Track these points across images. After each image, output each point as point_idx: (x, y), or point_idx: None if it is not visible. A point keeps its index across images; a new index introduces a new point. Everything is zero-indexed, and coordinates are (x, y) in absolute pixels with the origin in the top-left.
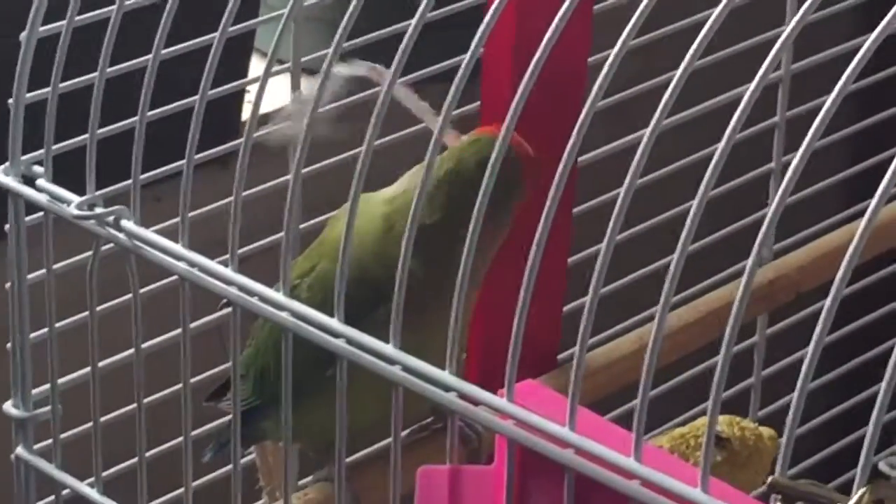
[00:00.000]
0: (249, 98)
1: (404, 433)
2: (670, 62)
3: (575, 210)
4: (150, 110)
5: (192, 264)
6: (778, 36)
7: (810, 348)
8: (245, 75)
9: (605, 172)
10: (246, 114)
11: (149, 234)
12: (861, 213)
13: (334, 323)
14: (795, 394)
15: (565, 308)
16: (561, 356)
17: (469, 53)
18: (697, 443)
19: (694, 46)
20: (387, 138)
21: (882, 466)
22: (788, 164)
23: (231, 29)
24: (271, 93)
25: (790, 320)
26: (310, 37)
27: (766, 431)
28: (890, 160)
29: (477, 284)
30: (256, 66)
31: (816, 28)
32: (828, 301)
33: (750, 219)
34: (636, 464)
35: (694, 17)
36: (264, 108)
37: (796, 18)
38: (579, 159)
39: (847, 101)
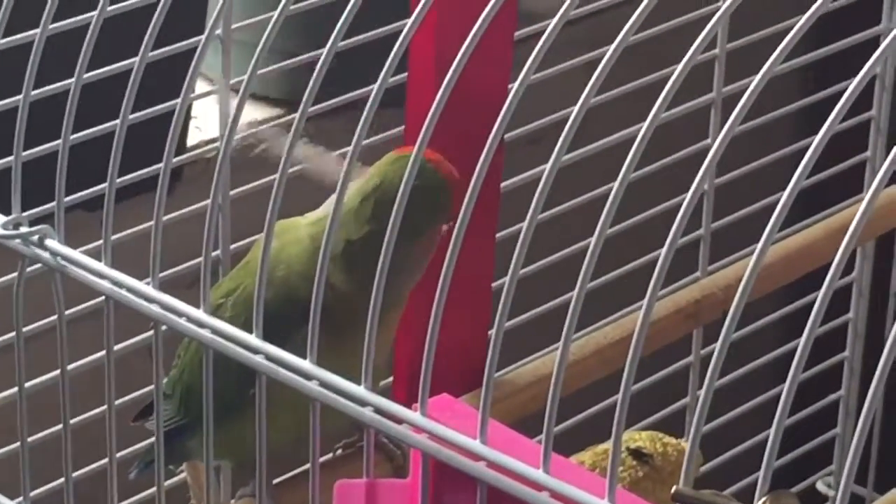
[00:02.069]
0: (196, 124)
1: (327, 456)
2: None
3: (504, 233)
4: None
5: (115, 283)
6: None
7: (706, 382)
8: (197, 98)
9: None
10: (192, 137)
11: (73, 253)
12: (797, 232)
13: (253, 339)
14: (697, 408)
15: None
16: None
17: (381, 77)
18: (620, 458)
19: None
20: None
21: (819, 486)
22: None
23: (153, 53)
24: (208, 114)
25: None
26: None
27: (687, 448)
28: (826, 183)
29: (401, 304)
30: (202, 90)
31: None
32: (722, 334)
33: (687, 238)
34: (545, 476)
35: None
36: (206, 130)
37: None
38: (508, 182)
39: (786, 119)
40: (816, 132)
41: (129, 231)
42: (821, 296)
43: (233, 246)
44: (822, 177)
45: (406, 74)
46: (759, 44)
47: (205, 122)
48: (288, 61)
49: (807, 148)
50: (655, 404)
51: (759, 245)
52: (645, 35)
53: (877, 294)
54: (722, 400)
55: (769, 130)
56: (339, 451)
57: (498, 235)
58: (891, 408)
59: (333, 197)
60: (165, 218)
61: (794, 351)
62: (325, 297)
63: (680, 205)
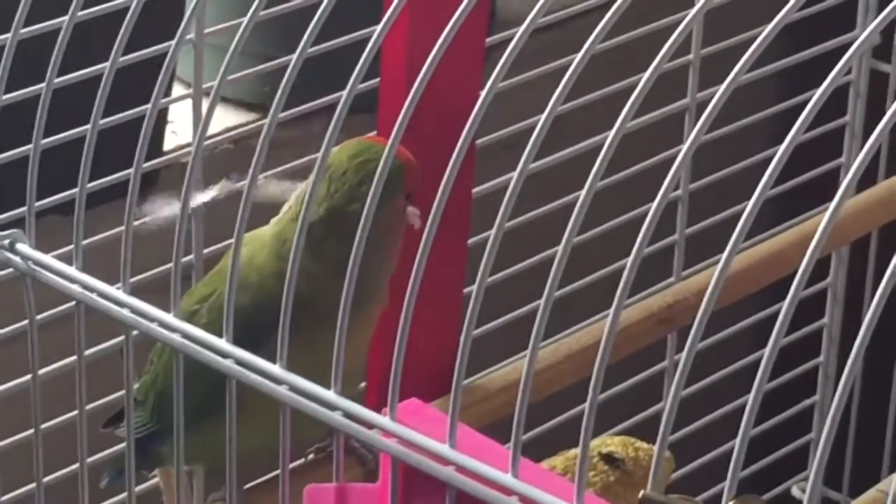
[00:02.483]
0: (173, 128)
1: (299, 461)
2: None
3: (477, 238)
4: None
5: (86, 287)
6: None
7: (672, 390)
8: (170, 103)
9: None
10: (168, 142)
11: (44, 257)
12: (774, 235)
13: (223, 343)
14: (665, 414)
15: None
16: (466, 383)
17: (350, 82)
18: (592, 463)
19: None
20: (276, 169)
21: (794, 491)
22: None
23: (126, 58)
24: (185, 118)
25: (701, 345)
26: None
27: None
28: (803, 188)
29: (379, 296)
30: (178, 94)
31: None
32: (688, 343)
33: (662, 243)
34: (514, 480)
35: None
36: (183, 134)
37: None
38: (482, 187)
39: (764, 123)
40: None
41: (101, 235)
42: (786, 305)
43: (208, 250)
44: (798, 182)
45: (378, 79)
46: (735, 48)
47: (181, 126)
48: (260, 66)
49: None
50: (631, 409)
51: (725, 255)
52: (619, 40)
53: (852, 299)
54: (699, 405)
55: (746, 135)
56: (311, 456)
57: (471, 241)
58: (865, 413)
59: (291, 199)
60: (140, 222)
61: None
62: (303, 288)
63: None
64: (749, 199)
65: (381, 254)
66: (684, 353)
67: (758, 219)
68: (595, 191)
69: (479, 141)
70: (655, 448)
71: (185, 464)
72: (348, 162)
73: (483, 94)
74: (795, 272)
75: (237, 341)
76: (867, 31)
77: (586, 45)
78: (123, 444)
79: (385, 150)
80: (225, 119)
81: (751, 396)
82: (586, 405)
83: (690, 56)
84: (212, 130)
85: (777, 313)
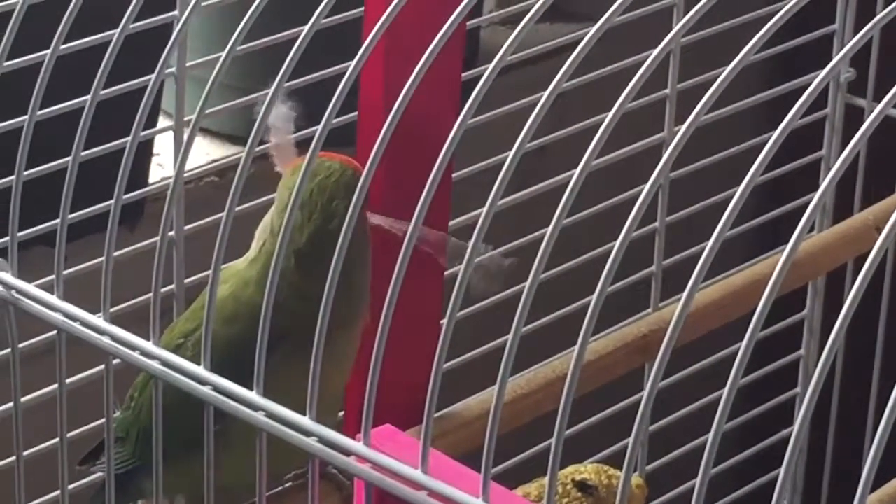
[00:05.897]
0: (159, 161)
1: (278, 488)
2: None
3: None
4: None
5: (67, 315)
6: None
7: (635, 426)
8: (152, 135)
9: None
10: (154, 174)
11: (26, 285)
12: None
13: (201, 371)
14: (629, 447)
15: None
16: (444, 411)
17: (325, 118)
18: (565, 490)
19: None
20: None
21: None
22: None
23: (106, 91)
24: (168, 150)
25: (677, 376)
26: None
27: (633, 479)
28: (783, 218)
29: (362, 311)
30: (164, 126)
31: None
32: (651, 379)
33: (641, 273)
34: None
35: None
36: (168, 167)
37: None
38: (464, 217)
39: (749, 154)
40: (773, 168)
41: (86, 265)
42: (744, 346)
43: (189, 280)
44: (777, 213)
45: (357, 114)
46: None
47: (167, 159)
48: (240, 100)
49: (763, 184)
50: (612, 438)
51: (685, 294)
52: (603, 72)
53: (828, 331)
54: (681, 433)
55: (728, 167)
56: (289, 484)
57: (448, 272)
58: (843, 435)
59: (256, 235)
60: (123, 252)
61: (751, 383)
62: (298, 310)
63: (635, 241)
64: (731, 230)
65: (361, 263)
66: (648, 384)
67: (738, 250)
68: (575, 220)
69: (461, 172)
70: (622, 474)
71: (168, 494)
72: (308, 184)
73: (455, 126)
74: (776, 299)
75: (233, 373)
76: (831, 64)
77: (555, 80)
78: (101, 475)
79: (335, 163)
80: (211, 151)
81: (710, 435)
82: (554, 432)
83: (667, 90)
84: (197, 163)
85: (760, 341)
